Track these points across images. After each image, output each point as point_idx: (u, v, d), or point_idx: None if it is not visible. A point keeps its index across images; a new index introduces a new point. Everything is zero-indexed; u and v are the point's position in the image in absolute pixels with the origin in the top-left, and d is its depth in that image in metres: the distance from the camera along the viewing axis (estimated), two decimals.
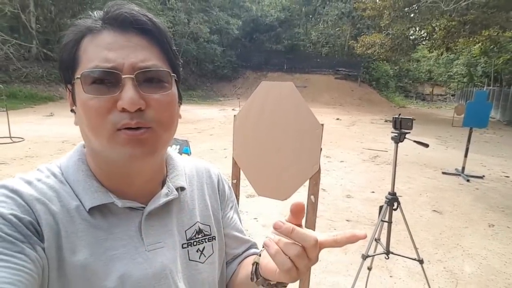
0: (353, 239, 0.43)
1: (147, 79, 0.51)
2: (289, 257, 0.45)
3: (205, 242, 0.66)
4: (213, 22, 25.29)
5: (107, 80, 0.49)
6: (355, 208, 4.45)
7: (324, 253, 3.20)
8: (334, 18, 27.93)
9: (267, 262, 0.52)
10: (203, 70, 26.48)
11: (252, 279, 0.58)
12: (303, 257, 0.45)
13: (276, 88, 1.63)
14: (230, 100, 22.82)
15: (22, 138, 7.40)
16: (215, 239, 0.68)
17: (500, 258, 3.25)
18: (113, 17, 0.50)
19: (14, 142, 7.11)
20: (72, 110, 0.55)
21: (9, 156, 5.96)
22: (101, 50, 0.49)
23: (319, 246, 0.45)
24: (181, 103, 0.62)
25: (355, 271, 2.50)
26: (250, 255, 0.75)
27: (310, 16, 31.34)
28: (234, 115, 1.74)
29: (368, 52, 21.05)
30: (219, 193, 0.74)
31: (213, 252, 0.66)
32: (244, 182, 1.83)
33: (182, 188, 0.64)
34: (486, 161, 7.55)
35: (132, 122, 0.49)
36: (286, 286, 0.56)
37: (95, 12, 0.53)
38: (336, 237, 0.44)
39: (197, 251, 0.64)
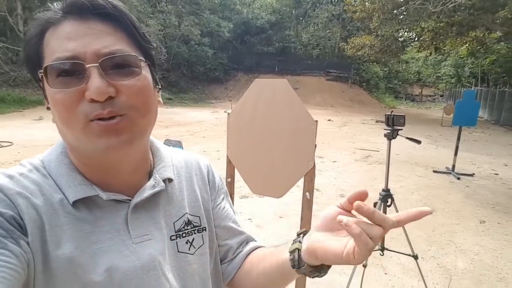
0: (419, 216, 0.45)
1: (115, 66, 0.49)
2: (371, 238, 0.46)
3: (195, 233, 0.64)
4: (204, 24, 25.29)
5: (72, 71, 0.47)
6: None
7: None
8: (324, 20, 28.20)
9: (326, 246, 0.50)
10: (194, 72, 26.42)
11: (294, 267, 0.56)
12: (380, 238, 0.46)
13: (269, 85, 1.63)
14: (222, 103, 22.80)
15: (11, 143, 7.27)
16: (205, 230, 0.66)
17: (492, 253, 3.30)
18: (71, 5, 0.48)
19: (2, 146, 6.97)
20: (48, 108, 0.53)
21: None
22: (61, 41, 0.48)
23: None
24: (160, 89, 0.60)
25: (350, 269, 2.51)
26: (254, 250, 0.73)
27: (301, 19, 31.57)
28: (228, 113, 1.73)
29: (358, 53, 21.27)
30: (209, 184, 0.72)
31: (203, 243, 0.65)
32: (238, 183, 1.82)
33: (170, 180, 0.63)
34: (476, 159, 7.68)
35: (104, 111, 0.47)
36: (327, 272, 0.57)
37: (54, 4, 0.51)
38: (399, 217, 0.46)
39: (186, 242, 0.62)
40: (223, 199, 0.74)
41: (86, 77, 0.47)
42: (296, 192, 2.14)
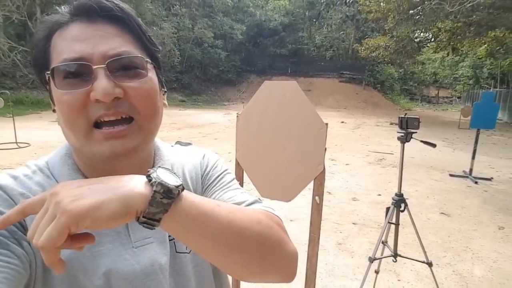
0: None
1: (121, 68, 0.49)
2: None
3: None
4: (217, 27, 25.47)
5: (79, 73, 0.47)
6: (361, 211, 4.39)
7: (330, 256, 3.15)
8: (338, 21, 27.97)
9: None
10: (207, 74, 26.61)
11: None
12: None
13: (279, 88, 1.61)
14: (235, 105, 22.87)
15: (28, 144, 7.46)
16: None
17: None
18: (79, 7, 0.49)
19: (20, 147, 7.16)
20: (54, 110, 0.53)
21: (15, 161, 6.00)
22: (69, 43, 0.48)
23: None
24: (165, 92, 0.60)
25: (362, 275, 2.45)
26: None
27: (314, 20, 31.40)
28: (237, 115, 1.72)
29: (373, 55, 21.02)
30: (202, 177, 0.68)
31: None
32: (247, 186, 1.80)
33: None
34: (494, 163, 7.44)
35: (109, 112, 0.47)
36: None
37: (62, 7, 0.51)
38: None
39: None
40: (215, 184, 0.67)
41: (92, 79, 0.47)
42: (308, 195, 2.11)
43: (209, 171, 0.69)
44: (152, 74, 0.53)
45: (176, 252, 0.60)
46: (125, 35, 0.51)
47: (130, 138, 0.50)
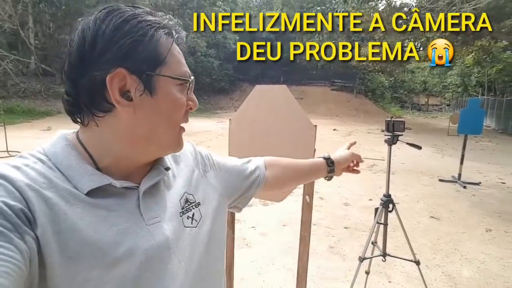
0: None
1: None
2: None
3: (193, 208, 0.70)
4: (210, 36, 25.68)
5: (185, 85, 0.61)
6: (353, 216, 4.45)
7: (322, 260, 3.19)
8: (329, 30, 28.37)
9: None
10: (200, 83, 26.68)
11: (328, 165, 1.02)
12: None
13: (269, 91, 1.67)
14: (228, 113, 22.96)
15: (19, 152, 7.40)
16: (200, 204, 0.72)
17: (498, 262, 3.25)
18: (181, 38, 0.63)
19: (11, 156, 7.11)
20: (126, 94, 0.55)
21: None
22: (180, 59, 0.61)
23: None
24: None
25: (352, 276, 2.49)
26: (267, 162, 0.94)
27: None
28: (230, 119, 1.77)
29: (363, 63, 21.36)
30: (198, 160, 0.80)
31: (201, 216, 0.71)
32: None
33: (167, 168, 0.69)
34: (482, 168, 7.60)
35: (188, 121, 0.64)
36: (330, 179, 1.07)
37: (165, 19, 0.60)
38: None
39: (187, 218, 0.68)
40: (217, 162, 0.84)
41: (188, 92, 0.62)
42: (300, 201, 2.16)
43: (206, 158, 0.83)
44: None
45: (185, 226, 0.66)
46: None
47: None
